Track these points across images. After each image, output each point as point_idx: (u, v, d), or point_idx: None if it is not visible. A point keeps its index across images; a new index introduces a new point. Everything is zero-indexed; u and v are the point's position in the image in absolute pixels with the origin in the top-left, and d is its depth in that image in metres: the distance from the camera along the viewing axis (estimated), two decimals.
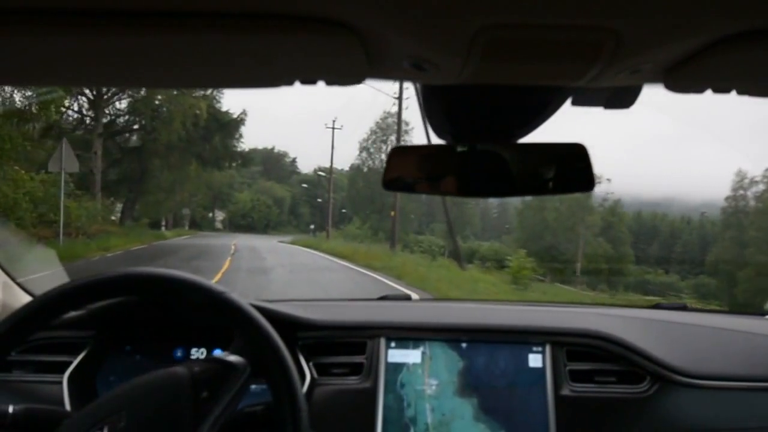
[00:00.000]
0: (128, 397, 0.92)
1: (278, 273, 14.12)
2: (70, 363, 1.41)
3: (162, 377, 0.93)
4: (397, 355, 1.46)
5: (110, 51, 0.51)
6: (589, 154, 0.94)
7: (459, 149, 0.96)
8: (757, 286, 28.49)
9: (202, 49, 0.50)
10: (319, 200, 60.91)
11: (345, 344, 1.49)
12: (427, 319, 1.57)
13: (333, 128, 41.68)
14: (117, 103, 27.13)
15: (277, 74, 0.58)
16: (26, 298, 1.55)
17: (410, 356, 1.45)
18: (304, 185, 68.59)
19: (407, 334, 1.48)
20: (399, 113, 28.71)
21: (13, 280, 1.56)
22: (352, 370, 1.45)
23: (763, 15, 0.45)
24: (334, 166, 46.16)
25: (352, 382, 1.44)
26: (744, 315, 1.87)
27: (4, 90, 17.67)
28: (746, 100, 0.61)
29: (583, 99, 0.78)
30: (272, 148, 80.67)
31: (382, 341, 1.46)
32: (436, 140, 0.97)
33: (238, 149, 31.41)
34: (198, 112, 26.03)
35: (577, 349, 1.46)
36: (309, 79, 0.58)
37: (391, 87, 32.14)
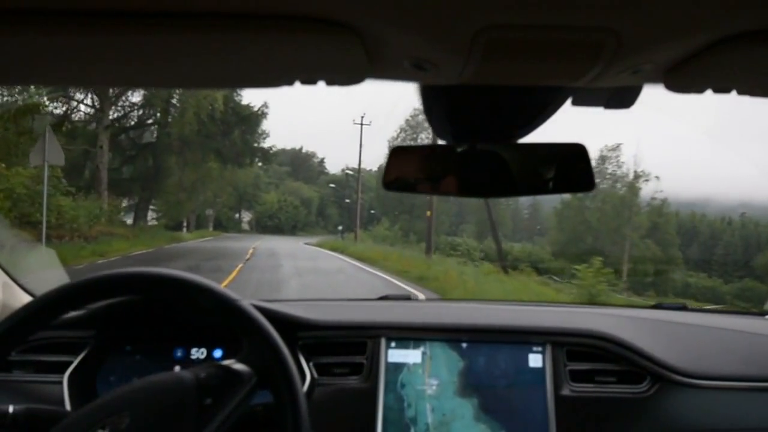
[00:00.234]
0: (132, 398, 0.89)
1: (291, 287, 11.23)
2: (71, 363, 1.37)
3: (167, 381, 0.91)
4: (397, 355, 1.42)
5: (110, 51, 0.51)
6: (589, 153, 0.93)
7: (459, 149, 0.94)
8: None
9: (203, 49, 0.50)
10: (347, 201, 58.25)
11: (345, 344, 1.45)
12: (428, 319, 1.52)
13: (361, 124, 38.86)
14: (131, 97, 24.69)
15: (277, 74, 0.58)
16: (26, 298, 1.51)
17: (410, 356, 1.42)
18: (332, 185, 66.09)
19: (407, 334, 1.45)
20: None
21: (14, 280, 1.51)
22: (352, 370, 1.42)
23: (763, 15, 0.44)
24: (363, 165, 43.36)
25: (353, 382, 1.40)
26: (744, 315, 1.89)
27: None
28: None
29: (583, 99, 0.76)
30: (300, 149, 79.09)
31: (383, 341, 1.43)
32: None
33: (260, 145, 28.63)
34: (213, 105, 23.37)
35: (577, 349, 1.43)
36: (309, 79, 0.57)
37: None
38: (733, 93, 0.59)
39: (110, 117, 23.68)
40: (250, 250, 21.70)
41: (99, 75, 0.66)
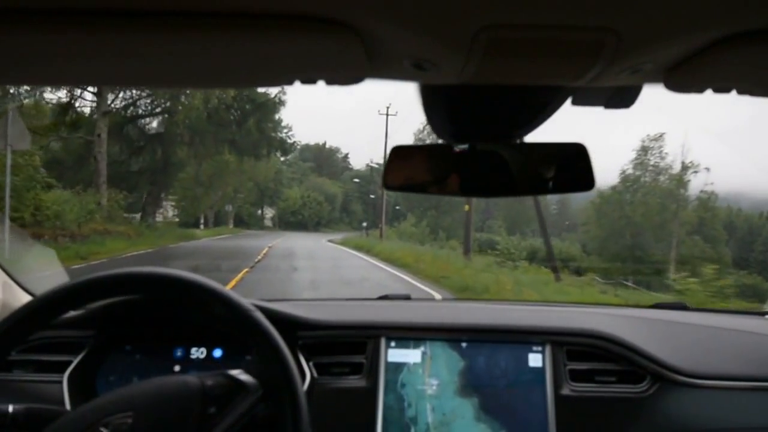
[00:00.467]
0: (137, 399, 0.88)
1: None
2: (70, 362, 1.35)
3: (173, 385, 0.90)
4: (397, 354, 1.40)
5: (110, 50, 0.50)
6: (589, 153, 0.91)
7: (459, 149, 0.93)
8: None
9: (203, 49, 0.49)
10: (372, 196, 55.43)
11: (345, 344, 1.42)
12: (427, 318, 1.50)
13: (387, 114, 35.92)
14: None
15: (277, 73, 0.58)
16: (26, 298, 1.48)
17: (410, 356, 1.39)
18: (356, 180, 63.22)
19: (407, 334, 1.42)
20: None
21: (14, 279, 1.49)
22: (352, 369, 1.39)
23: (763, 15, 0.44)
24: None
25: (353, 381, 1.38)
26: (744, 315, 1.85)
27: None
28: None
29: (583, 98, 0.75)
30: (324, 144, 76.34)
31: (382, 341, 1.40)
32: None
33: (278, 135, 25.80)
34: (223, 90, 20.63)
35: (577, 348, 1.40)
36: (309, 79, 0.56)
37: None
38: (733, 93, 0.58)
39: (110, 104, 21.12)
40: (265, 250, 19.00)
41: (99, 74, 0.64)
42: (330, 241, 32.74)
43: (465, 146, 0.92)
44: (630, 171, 36.73)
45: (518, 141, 0.89)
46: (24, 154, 12.68)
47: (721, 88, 0.57)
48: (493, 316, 1.53)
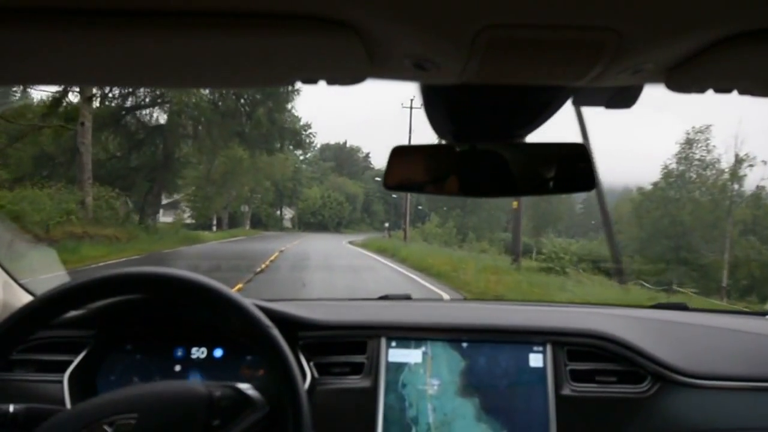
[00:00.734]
0: (144, 401, 0.87)
1: None
2: (71, 362, 1.32)
3: (181, 391, 0.90)
4: (397, 354, 1.36)
5: (110, 50, 0.49)
6: (590, 153, 0.90)
7: (460, 149, 0.91)
8: None
9: (204, 49, 0.49)
10: (394, 196, 52.16)
11: (346, 344, 1.38)
12: (428, 318, 1.45)
13: (411, 108, 32.69)
14: None
15: (278, 73, 0.57)
16: (27, 298, 1.45)
17: (411, 356, 1.36)
18: (378, 179, 60.03)
19: (408, 334, 1.38)
20: None
21: (14, 279, 1.45)
22: (352, 369, 1.35)
23: (764, 15, 0.43)
24: None
25: (353, 381, 1.34)
26: (744, 315, 1.91)
27: None
28: None
29: (584, 99, 0.75)
30: (344, 143, 72.78)
31: (383, 341, 1.37)
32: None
33: (292, 127, 22.59)
34: None
35: (577, 348, 1.37)
36: (310, 79, 0.56)
37: None
38: (734, 93, 0.57)
39: (108, 92, 18.23)
40: (274, 255, 15.91)
41: (99, 74, 0.63)
42: (350, 242, 29.65)
43: (466, 146, 0.90)
44: (673, 166, 33.09)
45: (519, 141, 0.87)
46: None
47: (723, 88, 0.56)
48: (494, 316, 1.50)
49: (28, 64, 0.54)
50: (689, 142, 32.39)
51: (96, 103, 18.46)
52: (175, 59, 0.51)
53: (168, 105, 19.95)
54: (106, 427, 0.82)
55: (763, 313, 1.73)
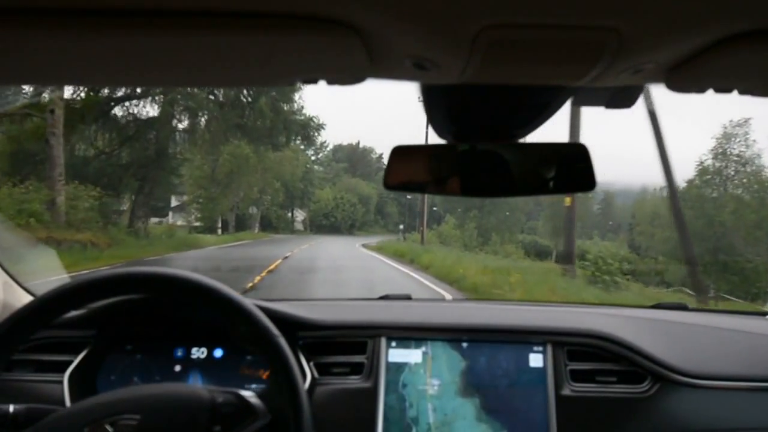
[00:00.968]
0: (146, 402, 0.87)
1: None
2: (71, 362, 1.30)
3: (184, 395, 0.89)
4: (398, 354, 1.34)
5: (110, 50, 0.49)
6: (590, 153, 0.88)
7: (460, 149, 0.90)
8: None
9: (204, 49, 0.48)
10: (409, 197, 49.50)
11: (346, 344, 1.36)
12: (428, 318, 1.43)
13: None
14: None
15: (278, 73, 0.57)
16: (27, 298, 1.42)
17: (411, 356, 1.34)
18: None
19: (408, 334, 1.36)
20: None
21: (14, 279, 1.43)
22: (352, 369, 1.33)
23: (764, 15, 0.43)
24: None
25: (353, 381, 1.32)
26: (744, 315, 1.77)
27: None
28: None
29: (584, 99, 0.74)
30: (357, 144, 70.35)
31: (383, 341, 1.34)
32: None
33: (297, 119, 19.94)
34: None
35: (577, 348, 1.35)
36: (310, 79, 0.55)
37: None
38: (735, 93, 0.56)
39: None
40: (276, 262, 13.39)
41: (98, 74, 0.62)
42: (364, 246, 27.02)
43: (466, 146, 0.89)
44: (709, 162, 30.14)
45: (519, 141, 0.86)
46: None
47: (723, 88, 0.55)
48: (494, 316, 1.48)
49: (28, 64, 0.53)
50: (727, 137, 29.40)
51: (81, 95, 16.10)
52: (175, 59, 0.50)
53: (161, 95, 17.49)
54: (107, 427, 0.81)
55: (763, 313, 1.76)
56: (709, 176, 30.04)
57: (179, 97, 16.61)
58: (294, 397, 0.90)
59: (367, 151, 68.98)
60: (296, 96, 19.68)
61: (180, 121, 18.04)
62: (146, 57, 0.50)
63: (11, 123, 14.97)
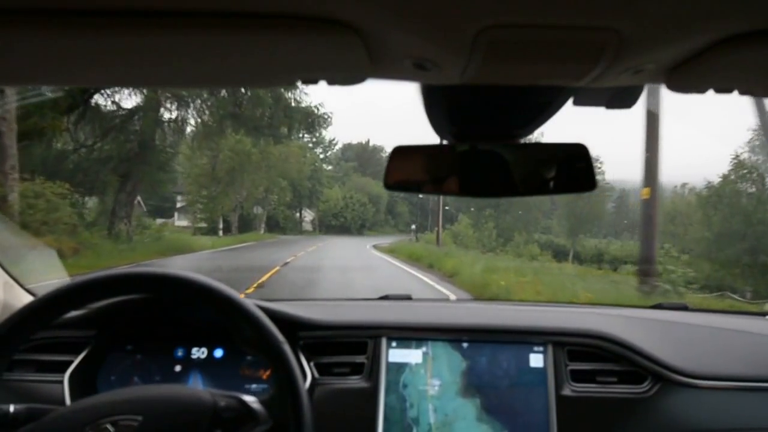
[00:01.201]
0: (149, 404, 0.85)
1: None
2: (71, 362, 1.28)
3: (186, 398, 0.87)
4: (398, 354, 1.32)
5: (111, 50, 0.48)
6: (590, 153, 0.87)
7: (460, 149, 0.89)
8: None
9: (204, 49, 0.48)
10: (420, 196, 46.87)
11: (346, 344, 1.34)
12: (428, 319, 1.41)
13: None
14: None
15: (278, 73, 0.56)
16: (27, 298, 1.40)
17: (412, 356, 1.32)
18: None
19: (408, 334, 1.34)
20: None
21: (15, 279, 1.40)
22: (353, 369, 1.31)
23: (764, 15, 0.42)
24: None
25: (353, 381, 1.30)
26: (744, 315, 1.79)
27: None
28: None
29: (584, 99, 0.72)
30: (367, 142, 67.81)
31: (383, 341, 1.32)
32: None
33: (300, 107, 17.37)
34: None
35: (578, 349, 1.33)
36: (310, 79, 0.55)
37: None
38: (735, 93, 0.56)
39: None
40: (272, 271, 10.98)
41: (98, 74, 0.62)
42: (375, 247, 24.56)
43: (466, 146, 0.87)
44: (745, 155, 27.37)
45: (519, 141, 0.85)
46: None
47: (723, 89, 0.55)
48: (494, 317, 1.47)
49: (28, 64, 0.52)
50: (766, 128, 26.63)
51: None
52: (175, 59, 0.50)
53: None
54: (108, 426, 0.80)
55: (763, 314, 1.69)
56: (745, 170, 27.32)
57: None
58: (296, 405, 0.89)
59: (377, 150, 66.42)
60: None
61: (168, 110, 15.63)
62: (146, 57, 0.49)
63: None
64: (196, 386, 1.28)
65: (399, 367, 1.30)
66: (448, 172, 0.90)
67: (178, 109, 15.48)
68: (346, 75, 0.53)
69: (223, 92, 15.29)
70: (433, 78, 0.54)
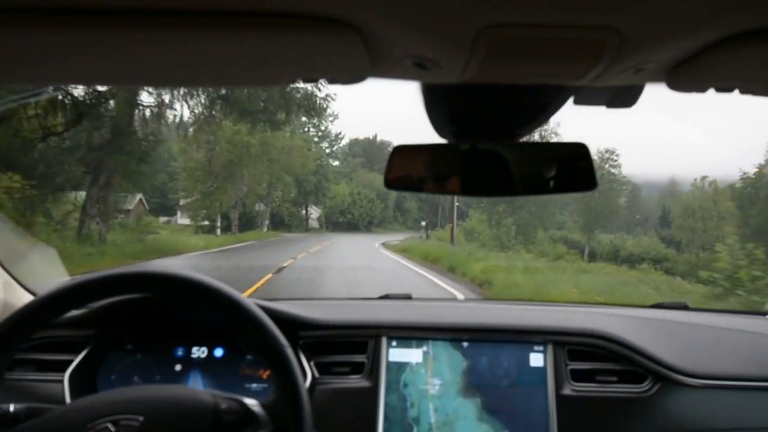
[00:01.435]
0: (150, 404, 0.84)
1: None
2: (71, 361, 1.27)
3: (188, 400, 0.86)
4: (398, 354, 1.30)
5: (111, 50, 0.47)
6: (590, 153, 0.86)
7: (460, 148, 0.88)
8: None
9: (205, 48, 0.47)
10: None
11: (346, 343, 1.32)
12: (428, 318, 1.39)
13: None
14: None
15: (279, 72, 0.55)
16: (27, 297, 1.38)
17: (412, 355, 1.30)
18: None
19: (409, 334, 1.32)
20: None
21: (15, 279, 1.38)
22: (353, 369, 1.30)
23: (764, 15, 0.42)
24: None
25: (354, 381, 1.28)
26: (744, 315, 1.74)
27: None
28: None
29: (585, 98, 0.71)
30: (374, 137, 65.50)
31: (383, 340, 1.31)
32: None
33: (299, 89, 14.99)
34: None
35: (578, 348, 1.31)
36: (311, 77, 0.54)
37: None
38: (736, 92, 0.55)
39: None
40: (263, 280, 8.68)
41: (99, 74, 0.61)
42: (384, 246, 22.23)
43: (466, 145, 0.86)
44: None
45: (519, 140, 0.84)
46: None
47: (724, 88, 0.54)
48: (495, 316, 1.45)
49: (28, 64, 0.51)
50: None
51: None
52: (175, 58, 0.49)
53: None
54: (109, 425, 0.80)
55: (763, 313, 1.64)
56: None
57: None
58: (297, 411, 0.87)
59: (384, 145, 63.99)
60: None
61: (149, 92, 13.33)
62: (146, 56, 0.48)
63: None
64: (197, 386, 1.27)
65: (399, 367, 1.29)
66: (448, 171, 0.89)
67: (158, 90, 13.13)
68: (346, 74, 0.52)
69: None
70: (433, 77, 0.53)
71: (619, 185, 39.81)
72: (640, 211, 57.62)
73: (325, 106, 15.67)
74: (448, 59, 0.48)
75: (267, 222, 32.74)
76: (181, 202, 33.83)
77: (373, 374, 1.27)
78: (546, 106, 0.73)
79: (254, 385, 1.24)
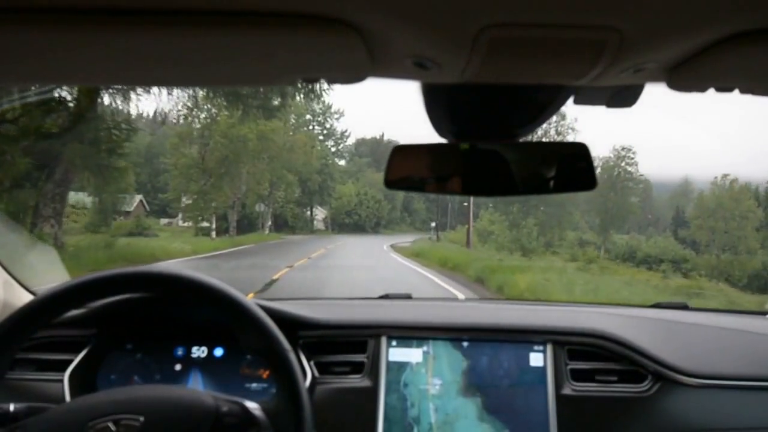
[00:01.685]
0: (151, 405, 0.83)
1: None
2: (71, 361, 1.26)
3: (189, 401, 0.85)
4: (398, 354, 1.29)
5: (111, 50, 0.47)
6: (590, 153, 0.85)
7: (461, 148, 0.87)
8: None
9: (205, 47, 0.47)
10: None
11: (346, 343, 1.31)
12: (428, 318, 1.37)
13: None
14: None
15: (279, 72, 0.55)
16: (27, 297, 1.36)
17: (412, 355, 1.29)
18: None
19: (409, 333, 1.31)
20: None
21: (15, 278, 1.36)
22: (353, 368, 1.29)
23: (764, 15, 0.41)
24: None
25: (353, 380, 1.27)
26: (744, 314, 1.66)
27: None
28: None
29: (585, 98, 0.70)
30: (381, 137, 62.80)
31: (383, 340, 1.30)
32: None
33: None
34: None
35: (578, 348, 1.30)
36: (311, 77, 0.54)
37: None
38: (736, 92, 0.55)
39: None
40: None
41: (99, 74, 0.61)
42: (394, 249, 19.84)
43: (466, 145, 0.85)
44: None
45: (520, 140, 0.83)
46: None
47: (724, 88, 0.54)
48: (495, 316, 1.42)
49: (28, 64, 0.51)
50: None
51: None
52: (175, 58, 0.49)
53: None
54: (109, 425, 0.79)
55: (763, 313, 1.62)
56: None
57: None
58: (298, 416, 0.86)
59: (391, 145, 61.72)
60: None
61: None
62: (147, 56, 0.48)
63: None
64: (196, 385, 1.26)
65: (399, 366, 1.28)
66: (448, 171, 0.89)
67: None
68: (346, 74, 0.52)
69: None
70: (433, 77, 0.53)
71: (635, 184, 37.54)
72: (651, 211, 55.30)
73: (324, 87, 13.24)
74: (449, 59, 0.47)
75: (269, 223, 30.36)
76: (183, 203, 31.58)
77: (373, 374, 1.26)
78: (546, 105, 0.72)
79: (254, 385, 1.24)
